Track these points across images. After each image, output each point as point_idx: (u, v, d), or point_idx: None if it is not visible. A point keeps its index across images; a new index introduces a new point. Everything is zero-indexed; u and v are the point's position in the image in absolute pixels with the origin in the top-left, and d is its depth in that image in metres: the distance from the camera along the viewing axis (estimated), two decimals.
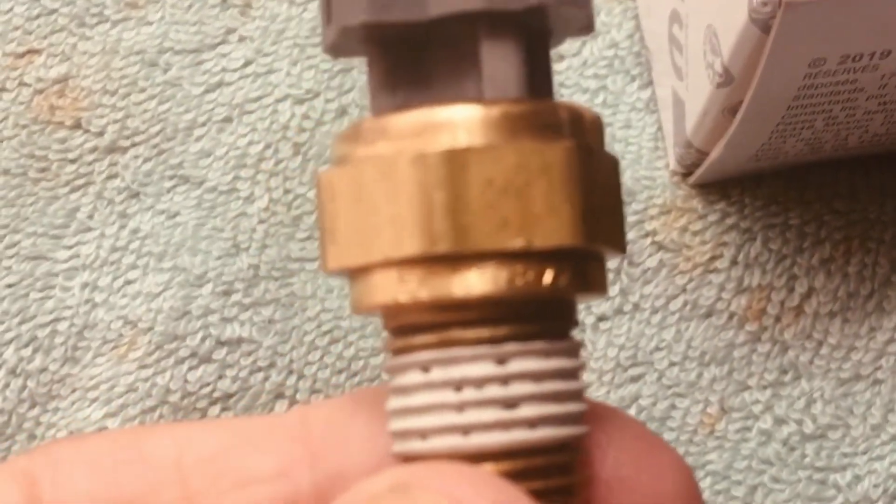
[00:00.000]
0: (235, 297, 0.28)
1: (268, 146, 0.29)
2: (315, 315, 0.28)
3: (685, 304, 0.28)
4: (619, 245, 0.17)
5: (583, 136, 0.16)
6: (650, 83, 0.29)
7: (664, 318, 0.28)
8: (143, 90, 0.29)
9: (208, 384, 0.27)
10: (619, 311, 0.28)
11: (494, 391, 0.16)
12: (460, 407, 0.16)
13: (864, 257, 0.28)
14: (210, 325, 0.28)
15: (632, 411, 0.28)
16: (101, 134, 0.29)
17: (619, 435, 0.18)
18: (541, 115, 0.16)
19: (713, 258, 0.28)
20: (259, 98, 0.29)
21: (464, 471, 0.16)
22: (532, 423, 0.16)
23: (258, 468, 0.18)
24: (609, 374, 0.28)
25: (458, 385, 0.16)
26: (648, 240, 0.28)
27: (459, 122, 0.16)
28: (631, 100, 0.29)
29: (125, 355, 0.28)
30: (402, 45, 0.16)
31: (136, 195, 0.29)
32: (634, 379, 0.28)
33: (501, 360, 0.16)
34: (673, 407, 0.28)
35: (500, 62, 0.16)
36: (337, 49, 0.17)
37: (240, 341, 0.28)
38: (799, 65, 0.21)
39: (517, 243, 0.15)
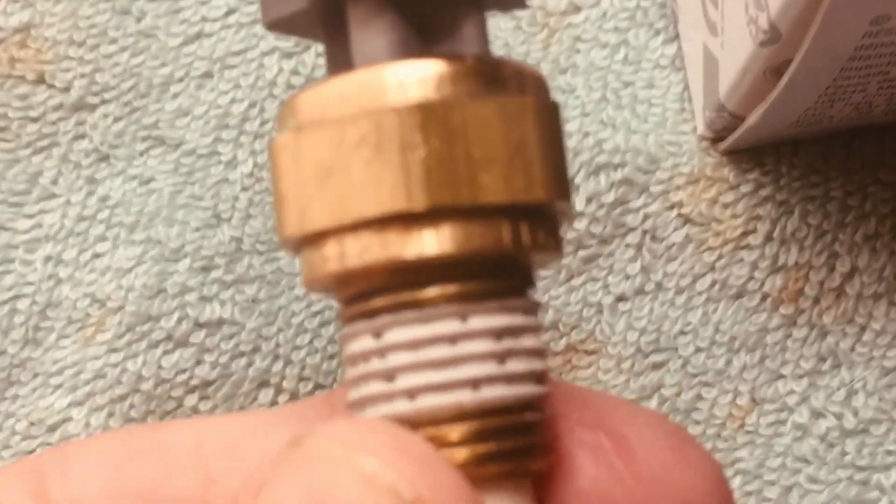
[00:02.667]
0: (215, 274, 0.27)
1: (252, 105, 0.28)
2: (304, 294, 0.27)
3: (713, 283, 0.28)
4: (569, 204, 0.18)
5: (538, 92, 0.17)
6: (676, 38, 0.29)
7: (690, 298, 0.28)
8: (113, 41, 0.29)
9: (185, 370, 0.27)
10: (640, 291, 0.28)
11: (443, 351, 0.17)
12: (411, 369, 0.17)
13: None
14: (187, 304, 0.27)
15: (653, 402, 0.27)
16: (66, 90, 0.28)
17: (648, 432, 0.18)
18: (486, 70, 0.17)
19: (745, 233, 0.28)
20: (243, 51, 0.29)
21: (359, 421, 0.16)
22: (477, 383, 0.17)
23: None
24: (628, 360, 0.27)
25: (412, 346, 0.17)
26: (674, 212, 0.28)
27: (416, 77, 0.17)
28: (654, 56, 0.29)
29: (92, 337, 0.27)
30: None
31: (105, 158, 0.28)
32: (656, 366, 0.27)
33: (464, 317, 0.17)
34: (699, 398, 0.27)
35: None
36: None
37: (220, 323, 0.27)
38: (859, 22, 0.21)
39: (494, 198, 0.16)
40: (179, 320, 0.27)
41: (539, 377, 0.17)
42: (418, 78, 0.17)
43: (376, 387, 0.17)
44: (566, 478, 0.18)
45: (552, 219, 0.18)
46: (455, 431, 0.17)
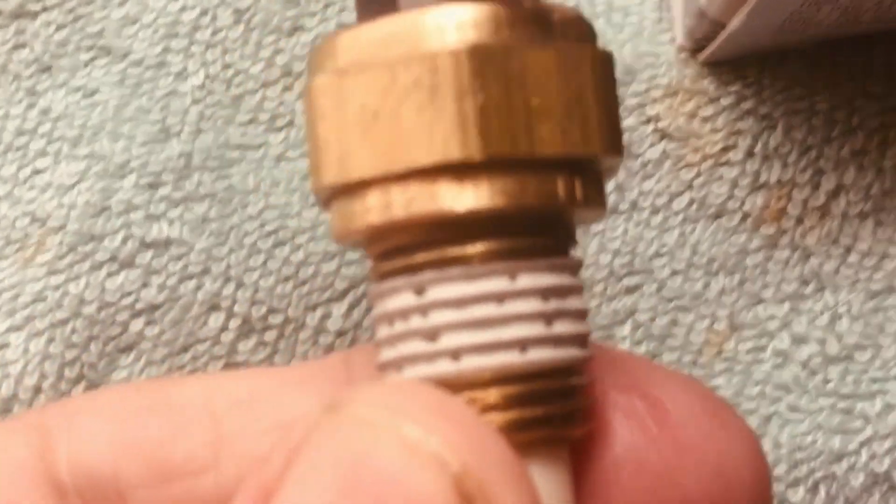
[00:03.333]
0: (163, 191, 0.27)
1: (204, 12, 0.28)
2: (257, 213, 0.26)
3: (691, 202, 0.27)
4: (621, 159, 0.18)
5: (594, 41, 0.17)
6: None
7: (666, 218, 0.27)
8: None
9: (130, 293, 0.26)
10: (613, 211, 0.27)
11: (490, 310, 0.16)
12: (455, 328, 0.16)
13: None
14: (133, 223, 0.26)
15: (626, 328, 0.26)
16: None
17: (683, 397, 0.18)
18: (544, 16, 0.17)
19: (725, 149, 0.27)
20: None
21: (401, 384, 0.16)
22: (524, 344, 0.16)
23: (299, 410, 0.18)
24: (601, 283, 0.27)
25: (457, 304, 0.16)
26: (650, 126, 0.27)
27: (473, 20, 0.16)
28: None
29: (32, 258, 0.26)
30: None
31: (47, 69, 0.27)
32: (630, 290, 0.27)
33: (513, 276, 0.16)
34: (674, 323, 0.27)
35: None
36: None
37: (168, 243, 0.26)
38: None
39: (551, 150, 0.16)
40: (124, 240, 0.26)
41: (584, 340, 0.17)
42: (475, 20, 0.16)
43: (417, 346, 0.17)
44: (601, 443, 0.18)
45: (600, 173, 0.17)
46: (498, 394, 0.16)
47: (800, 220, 0.27)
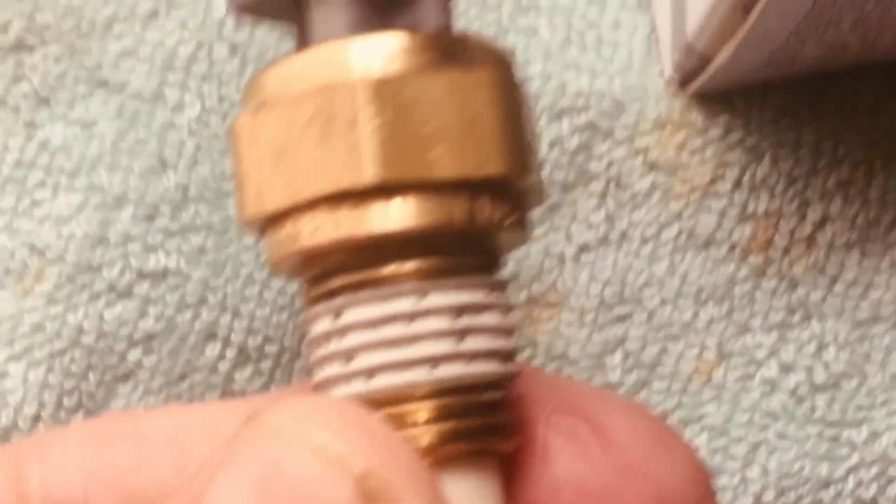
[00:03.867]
0: (160, 222, 0.27)
1: (200, 46, 0.28)
2: (253, 244, 0.27)
3: (680, 232, 0.27)
4: (536, 180, 0.18)
5: (498, 67, 0.18)
6: None
7: (656, 248, 0.27)
8: None
9: (128, 323, 0.26)
10: (603, 241, 0.27)
11: (400, 329, 0.17)
12: (368, 348, 0.17)
13: (887, 180, 0.27)
14: (130, 254, 0.26)
15: (617, 356, 0.27)
16: (3, 30, 0.28)
17: (627, 422, 0.18)
18: (442, 44, 0.17)
19: (714, 180, 0.27)
20: None
21: (314, 397, 0.17)
22: (434, 361, 0.17)
23: None
24: (591, 313, 0.27)
25: (369, 325, 0.17)
26: (640, 158, 0.27)
27: (368, 52, 0.17)
28: None
29: (31, 289, 0.26)
30: None
31: (45, 102, 0.28)
32: (621, 319, 0.27)
33: (422, 295, 0.17)
34: (664, 351, 0.27)
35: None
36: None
37: (165, 273, 0.27)
38: None
39: (446, 173, 0.17)
40: (122, 271, 0.26)
41: (504, 356, 0.18)
42: (370, 53, 0.17)
43: (336, 368, 0.17)
44: (541, 464, 0.18)
45: (516, 196, 0.18)
46: (417, 411, 0.17)
47: (787, 251, 0.27)
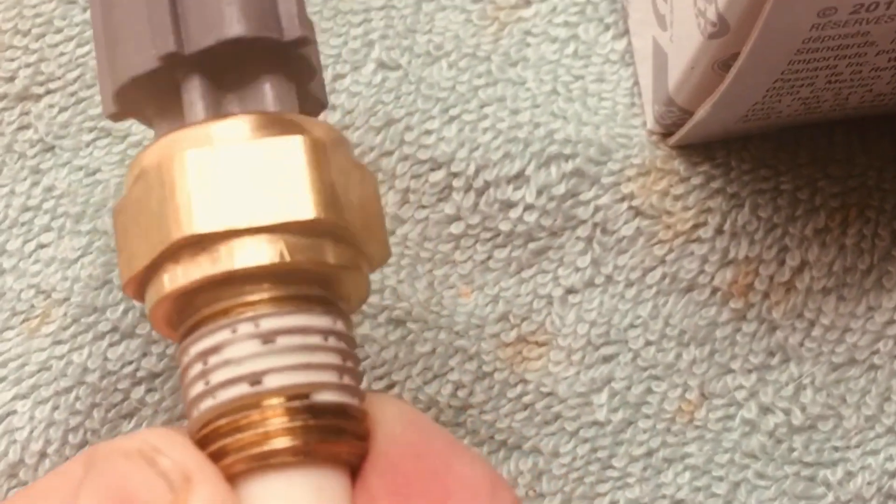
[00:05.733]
0: None
1: None
2: None
3: (664, 276, 0.28)
4: (383, 249, 0.21)
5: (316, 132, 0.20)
6: (626, 33, 0.29)
7: (640, 291, 0.28)
8: (59, 31, 0.29)
9: (131, 362, 0.27)
10: (590, 284, 0.28)
11: (230, 353, 0.20)
12: (203, 375, 0.20)
13: (862, 228, 0.28)
14: None
15: (604, 395, 0.27)
16: (11, 79, 0.28)
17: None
18: (280, 122, 0.20)
19: (696, 226, 0.28)
20: None
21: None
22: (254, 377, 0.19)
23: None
24: (579, 352, 0.28)
25: (201, 357, 0.20)
26: (625, 204, 0.28)
27: (192, 134, 0.20)
28: (604, 51, 0.29)
29: (37, 329, 0.27)
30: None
31: (50, 149, 0.28)
32: (607, 359, 0.28)
33: (234, 330, 0.20)
34: (649, 391, 0.28)
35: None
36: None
37: None
38: (806, 14, 0.21)
39: (263, 220, 0.19)
40: (125, 311, 0.27)
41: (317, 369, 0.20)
42: (197, 134, 0.20)
43: (197, 388, 0.20)
44: None
45: (350, 241, 0.20)
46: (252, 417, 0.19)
47: (766, 295, 0.28)
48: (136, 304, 0.27)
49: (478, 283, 0.28)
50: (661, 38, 0.26)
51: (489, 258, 0.28)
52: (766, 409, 0.27)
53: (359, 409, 0.20)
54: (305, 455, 0.19)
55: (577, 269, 0.28)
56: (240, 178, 0.19)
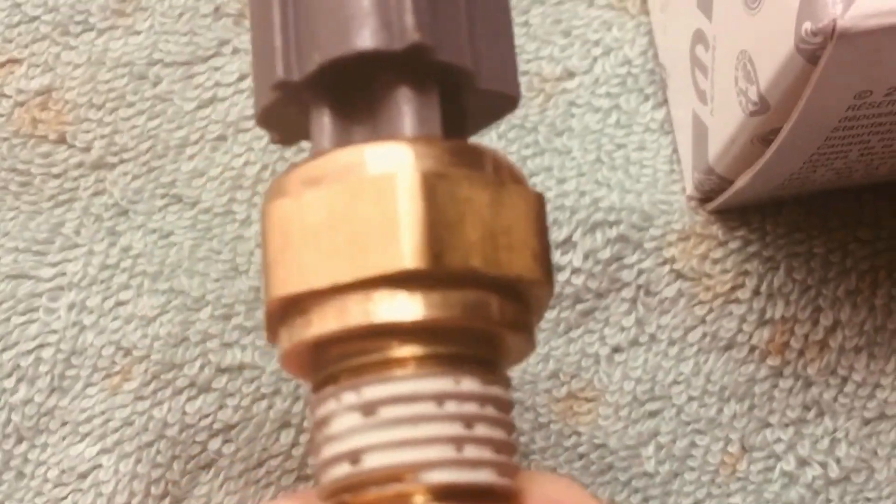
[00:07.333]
0: (236, 321, 0.28)
1: (264, 167, 0.30)
2: None
3: (704, 335, 0.29)
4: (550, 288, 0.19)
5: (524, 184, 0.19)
6: (664, 102, 0.30)
7: (682, 350, 0.29)
8: (131, 104, 0.30)
9: (208, 415, 0.28)
10: (634, 343, 0.29)
11: (392, 412, 0.18)
12: (361, 429, 0.18)
13: (891, 288, 0.29)
14: (209, 351, 0.28)
15: (650, 448, 0.28)
16: (87, 149, 0.30)
17: None
18: (467, 154, 0.18)
19: (734, 288, 0.29)
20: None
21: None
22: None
23: None
24: (626, 408, 0.29)
25: (365, 409, 0.18)
26: (667, 267, 0.29)
27: (417, 152, 0.18)
28: (645, 120, 0.30)
29: (119, 385, 0.28)
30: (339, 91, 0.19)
31: (125, 213, 0.29)
32: (652, 414, 0.29)
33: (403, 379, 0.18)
34: (693, 445, 0.28)
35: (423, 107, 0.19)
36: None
37: (241, 367, 0.28)
38: (844, 97, 0.22)
39: (480, 267, 0.17)
40: (202, 367, 0.28)
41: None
42: (416, 153, 0.18)
43: (337, 447, 0.18)
44: None
45: (527, 302, 0.19)
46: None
47: (801, 353, 0.29)
48: (212, 358, 0.28)
49: None
50: (701, 111, 0.27)
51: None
52: (803, 462, 0.28)
53: (496, 486, 0.18)
54: None
55: (623, 329, 0.29)
56: (469, 219, 0.18)
